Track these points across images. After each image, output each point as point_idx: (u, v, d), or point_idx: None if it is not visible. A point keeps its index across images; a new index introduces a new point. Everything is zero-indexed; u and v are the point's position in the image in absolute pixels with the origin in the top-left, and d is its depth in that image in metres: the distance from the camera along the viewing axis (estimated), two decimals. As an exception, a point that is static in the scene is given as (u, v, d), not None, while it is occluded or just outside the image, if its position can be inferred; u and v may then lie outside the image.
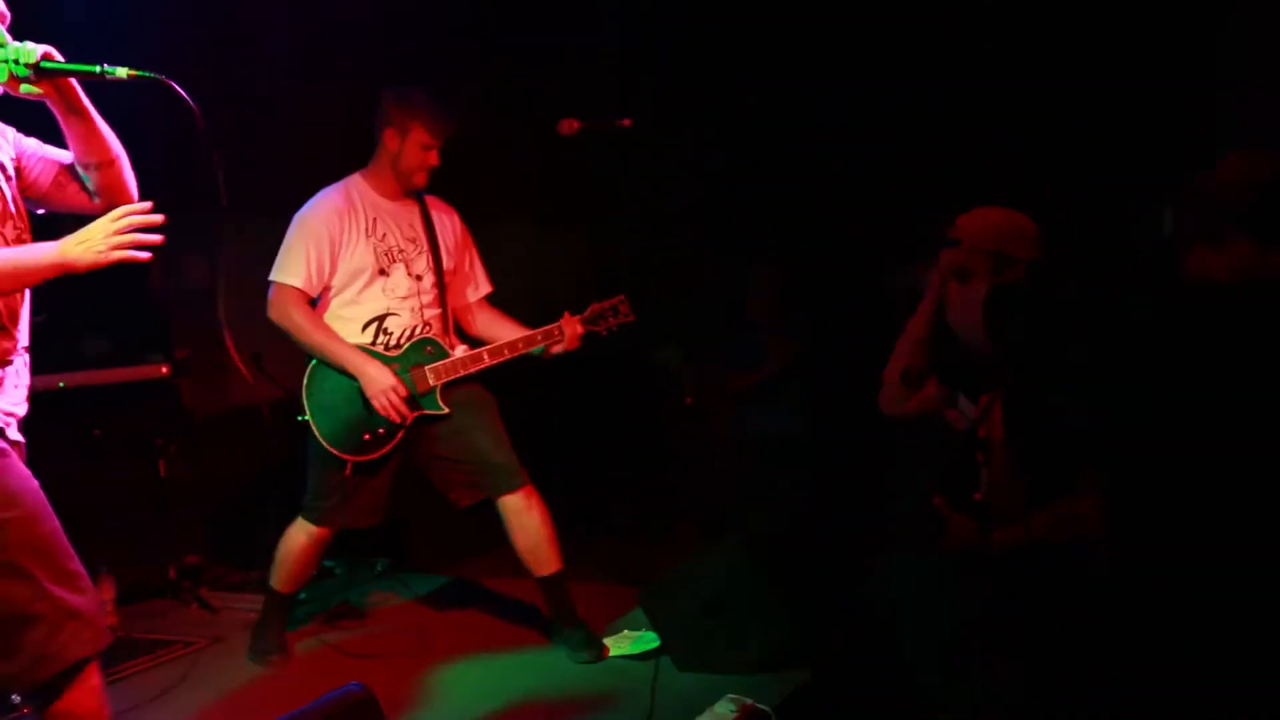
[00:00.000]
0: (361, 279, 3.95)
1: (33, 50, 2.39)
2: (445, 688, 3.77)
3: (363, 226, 3.97)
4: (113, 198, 2.64)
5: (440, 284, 4.10)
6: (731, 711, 3.31)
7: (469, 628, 4.40)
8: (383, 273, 3.95)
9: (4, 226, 2.51)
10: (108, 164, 2.61)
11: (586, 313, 3.98)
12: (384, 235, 3.99)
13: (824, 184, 4.97)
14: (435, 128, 3.90)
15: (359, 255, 3.96)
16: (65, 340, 5.07)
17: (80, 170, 2.62)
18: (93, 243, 2.37)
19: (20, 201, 2.60)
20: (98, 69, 2.39)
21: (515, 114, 4.69)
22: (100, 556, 4.78)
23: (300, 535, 3.99)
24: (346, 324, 3.97)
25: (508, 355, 3.98)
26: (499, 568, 4.54)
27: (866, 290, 4.07)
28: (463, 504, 4.09)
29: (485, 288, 4.24)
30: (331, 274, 3.94)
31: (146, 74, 2.41)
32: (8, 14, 2.51)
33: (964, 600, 2.82)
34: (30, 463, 2.89)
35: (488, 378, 4.02)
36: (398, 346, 3.95)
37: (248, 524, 4.77)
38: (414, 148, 3.91)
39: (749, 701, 3.31)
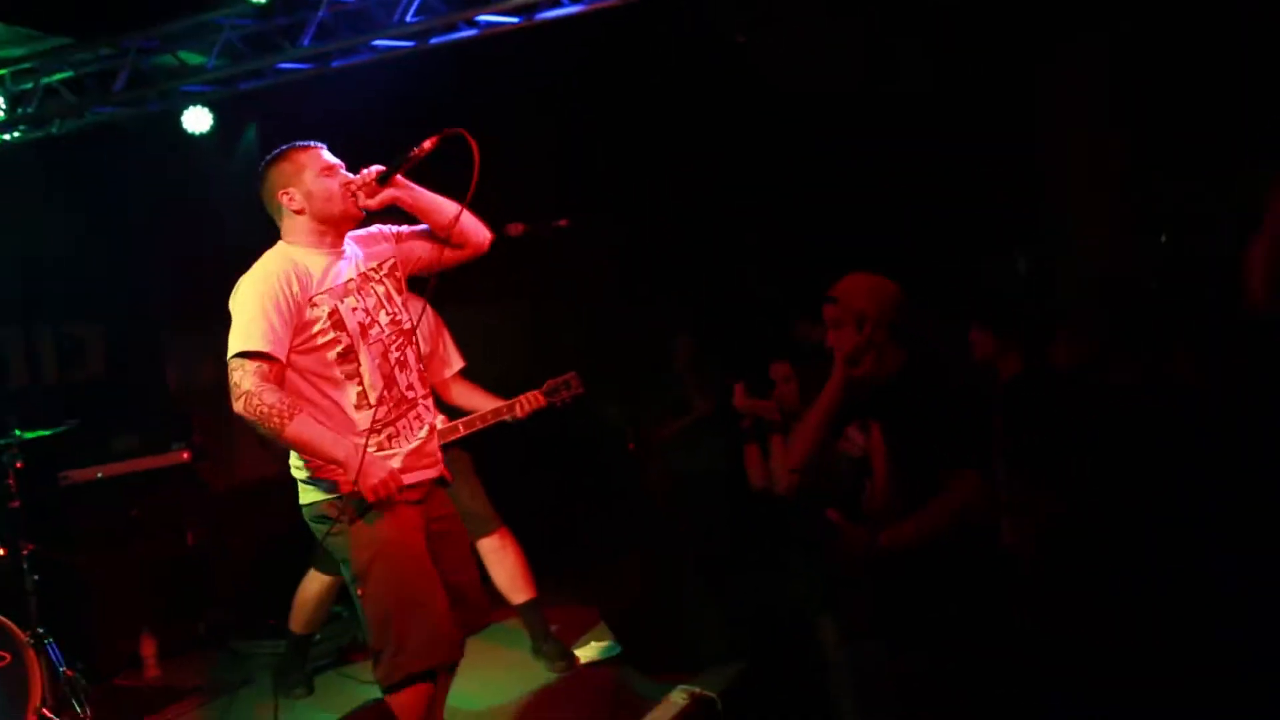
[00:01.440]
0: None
1: (369, 172, 2.68)
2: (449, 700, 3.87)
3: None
4: (468, 240, 2.90)
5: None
6: (683, 700, 3.43)
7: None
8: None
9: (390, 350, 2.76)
10: (455, 222, 2.82)
11: (545, 387, 3.98)
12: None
13: (731, 262, 5.20)
14: None
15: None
16: (100, 438, 5.16)
17: (437, 234, 2.85)
18: (368, 481, 2.59)
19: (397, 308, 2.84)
20: (410, 154, 2.68)
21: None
22: (142, 618, 4.88)
23: (313, 584, 4.01)
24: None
25: (479, 426, 3.99)
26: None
27: (770, 348, 4.22)
28: None
29: (458, 364, 4.20)
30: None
31: (443, 136, 2.69)
32: (340, 163, 2.79)
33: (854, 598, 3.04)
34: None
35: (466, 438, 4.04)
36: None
37: (265, 579, 4.77)
38: None
39: (697, 690, 3.44)
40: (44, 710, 3.74)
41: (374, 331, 2.75)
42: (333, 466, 2.67)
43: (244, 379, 2.59)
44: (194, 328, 5.75)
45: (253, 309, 2.64)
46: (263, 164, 2.88)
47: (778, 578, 3.54)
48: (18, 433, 4.06)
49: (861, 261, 3.11)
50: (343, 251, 2.82)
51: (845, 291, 3.07)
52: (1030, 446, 3.70)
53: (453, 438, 3.92)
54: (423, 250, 2.91)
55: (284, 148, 2.86)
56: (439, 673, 2.82)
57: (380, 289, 2.83)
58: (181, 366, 6.15)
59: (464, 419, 3.97)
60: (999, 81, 4.89)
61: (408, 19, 4.43)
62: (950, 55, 4.81)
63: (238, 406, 2.62)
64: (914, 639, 2.84)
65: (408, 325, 2.86)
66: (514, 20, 4.48)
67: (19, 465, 4.17)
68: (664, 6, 4.40)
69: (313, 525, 2.84)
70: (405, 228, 2.94)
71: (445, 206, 2.86)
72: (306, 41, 4.54)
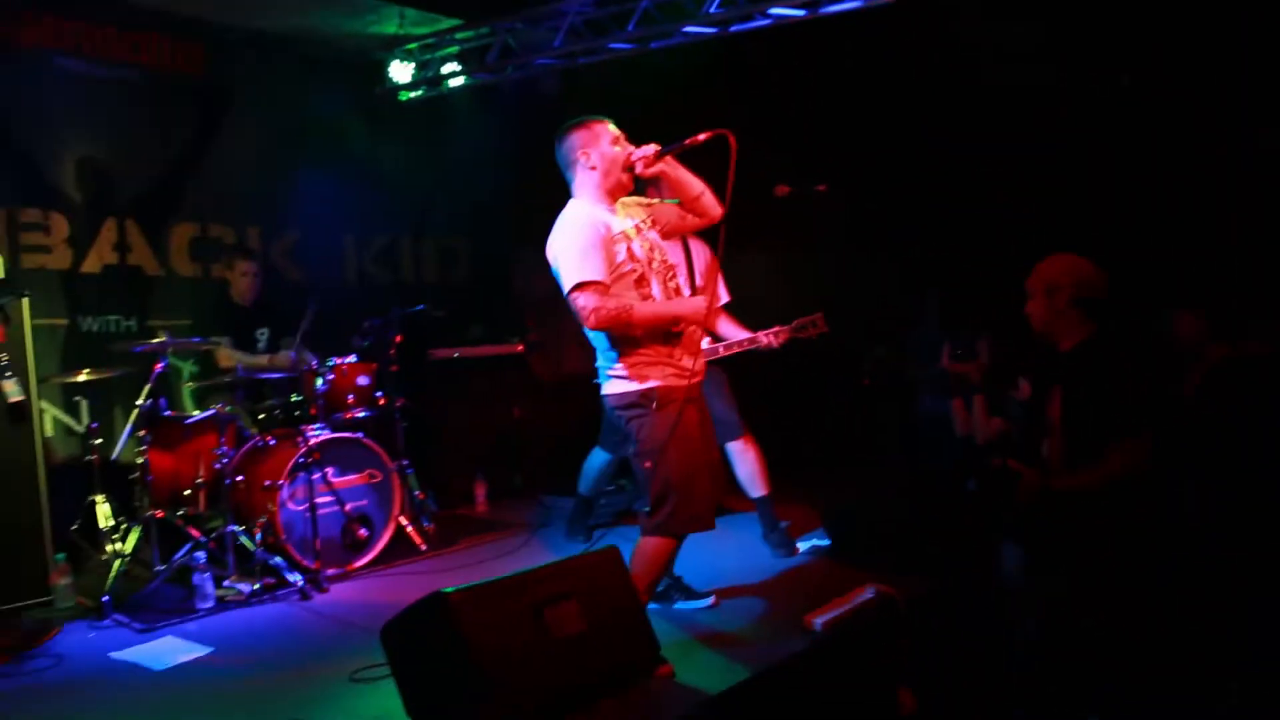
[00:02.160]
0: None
1: (647, 149, 3.14)
2: (696, 564, 4.10)
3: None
4: (705, 213, 3.28)
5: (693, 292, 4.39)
6: (872, 594, 3.63)
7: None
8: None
9: (666, 280, 3.23)
10: (698, 197, 3.26)
11: (794, 324, 4.20)
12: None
13: (981, 228, 5.23)
14: None
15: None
16: (459, 327, 6.21)
17: (684, 206, 3.31)
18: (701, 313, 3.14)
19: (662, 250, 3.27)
20: (685, 142, 3.06)
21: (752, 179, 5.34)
22: (476, 467, 5.91)
23: (597, 459, 4.66)
24: None
25: (736, 349, 4.30)
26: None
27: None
28: None
29: (724, 298, 4.45)
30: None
31: (715, 134, 3.01)
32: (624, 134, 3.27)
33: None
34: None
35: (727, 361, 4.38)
36: None
37: (568, 452, 5.10)
38: None
39: (885, 588, 3.64)
40: (402, 518, 4.84)
41: (654, 265, 3.23)
42: (644, 364, 3.14)
43: (589, 301, 3.02)
44: (536, 246, 6.62)
45: (580, 248, 3.08)
46: (565, 126, 3.25)
47: (970, 509, 3.78)
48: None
49: (1092, 245, 3.23)
50: (616, 208, 3.26)
51: (1042, 266, 3.26)
52: (1230, 425, 3.70)
53: (714, 357, 4.27)
54: (669, 215, 3.35)
55: (584, 117, 3.22)
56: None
57: (651, 235, 3.36)
58: (523, 277, 6.90)
59: (725, 343, 4.31)
60: (1208, 70, 4.60)
61: (712, 10, 4.90)
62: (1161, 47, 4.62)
63: (590, 323, 3.04)
64: (1084, 573, 3.04)
65: (673, 262, 3.42)
66: (800, 13, 4.80)
67: (398, 339, 5.25)
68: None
69: (618, 411, 3.22)
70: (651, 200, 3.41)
71: (695, 185, 3.25)
72: (632, 27, 5.17)
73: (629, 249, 3.18)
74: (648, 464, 3.17)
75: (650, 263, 3.24)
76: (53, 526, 3.95)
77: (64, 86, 5.10)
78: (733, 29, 5.07)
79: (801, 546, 4.55)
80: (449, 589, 2.77)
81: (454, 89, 6.05)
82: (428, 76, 6.00)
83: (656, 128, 3.34)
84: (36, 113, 4.99)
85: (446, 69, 5.91)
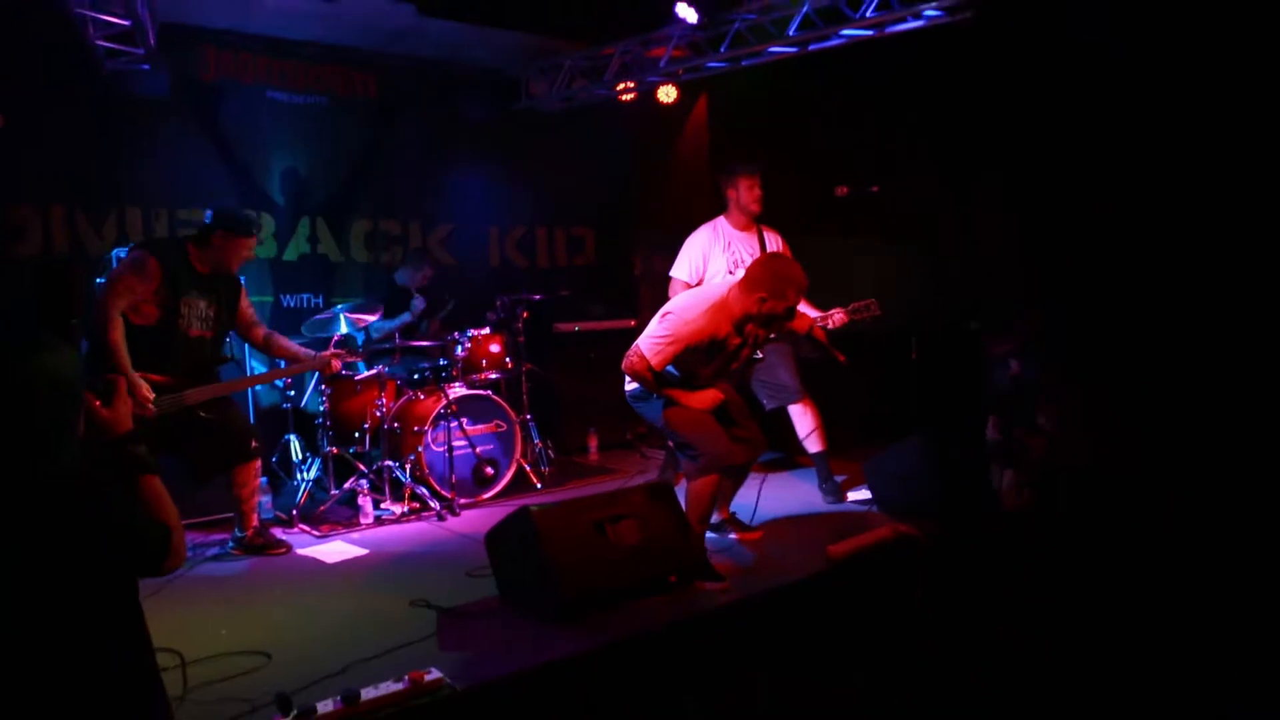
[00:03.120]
0: (718, 276, 4.87)
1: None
2: (759, 503, 4.60)
3: (721, 246, 4.96)
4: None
5: None
6: (894, 532, 4.02)
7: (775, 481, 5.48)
8: (730, 273, 4.86)
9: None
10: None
11: (850, 306, 4.57)
12: (734, 250, 4.95)
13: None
14: (750, 180, 4.88)
15: (715, 262, 4.94)
16: (581, 304, 6.94)
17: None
18: None
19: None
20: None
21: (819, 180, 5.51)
22: (590, 422, 6.66)
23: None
24: None
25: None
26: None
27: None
28: (767, 409, 5.05)
29: None
30: (703, 273, 4.95)
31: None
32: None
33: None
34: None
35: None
36: None
37: None
38: (744, 192, 4.89)
39: (906, 527, 4.04)
40: (523, 461, 5.67)
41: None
42: None
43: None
44: (652, 233, 7.36)
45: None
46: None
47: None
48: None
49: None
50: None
51: None
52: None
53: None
54: None
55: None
56: (719, 476, 3.98)
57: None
58: (643, 261, 7.63)
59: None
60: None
61: (791, 33, 5.40)
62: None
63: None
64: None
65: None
66: (869, 33, 5.20)
67: (525, 315, 6.09)
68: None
69: (632, 403, 4.09)
70: None
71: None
72: (724, 48, 5.75)
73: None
74: (669, 439, 4.05)
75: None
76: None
77: (272, 113, 6.16)
78: (811, 48, 5.55)
79: (852, 496, 5.06)
80: (532, 505, 3.57)
81: (580, 101, 6.78)
82: (557, 90, 6.76)
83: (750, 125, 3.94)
84: (253, 135, 6.07)
85: (574, 84, 6.64)
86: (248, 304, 4.44)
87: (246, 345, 4.85)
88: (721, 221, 5.03)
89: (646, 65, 6.23)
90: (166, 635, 3.28)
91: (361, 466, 5.19)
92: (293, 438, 5.50)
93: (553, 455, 6.06)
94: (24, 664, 1.76)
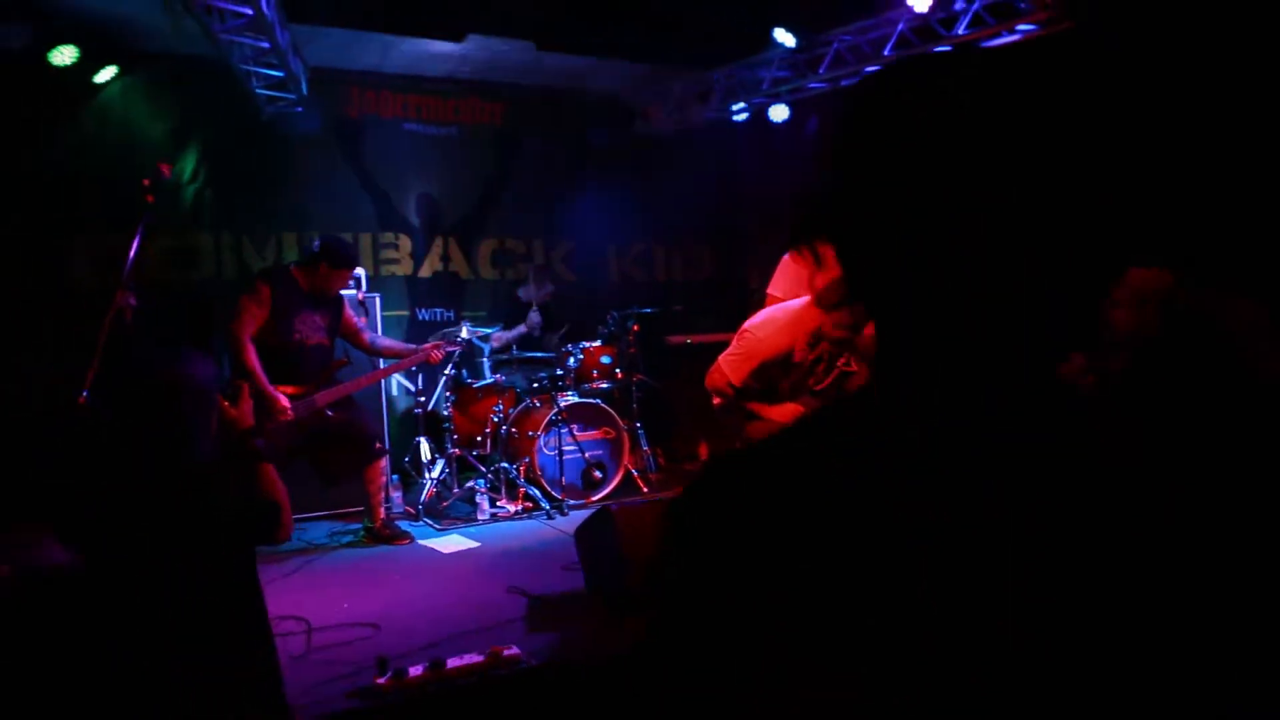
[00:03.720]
0: None
1: None
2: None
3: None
4: None
5: None
6: None
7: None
8: None
9: None
10: None
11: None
12: None
13: None
14: None
15: None
16: (693, 317, 7.26)
17: None
18: None
19: None
20: None
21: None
22: (700, 431, 6.90)
23: None
24: None
25: None
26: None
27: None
28: None
29: None
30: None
31: None
32: None
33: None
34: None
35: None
36: None
37: None
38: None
39: None
40: (630, 465, 6.05)
41: None
42: None
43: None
44: (768, 251, 7.54)
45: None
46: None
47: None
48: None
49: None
50: None
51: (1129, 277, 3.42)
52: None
53: None
54: None
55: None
56: None
57: None
58: (760, 275, 7.93)
59: None
60: None
61: (961, 31, 5.34)
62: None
63: None
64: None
65: None
66: (1036, 30, 5.13)
67: (635, 328, 6.47)
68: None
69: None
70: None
71: None
72: (888, 50, 5.89)
73: None
74: None
75: None
76: (392, 457, 5.57)
77: (408, 144, 6.80)
78: (983, 44, 5.65)
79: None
80: (612, 505, 3.92)
81: (692, 123, 7.13)
82: (669, 114, 7.13)
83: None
84: (391, 164, 6.73)
85: (686, 108, 6.99)
86: (351, 314, 4.99)
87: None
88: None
89: (750, 87, 6.50)
90: (297, 605, 3.84)
91: (481, 467, 5.69)
92: (423, 440, 6.06)
93: (662, 462, 6.40)
94: (162, 615, 2.23)
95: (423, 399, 6.02)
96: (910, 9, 5.17)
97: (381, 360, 5.16)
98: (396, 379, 6.51)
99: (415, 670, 3.13)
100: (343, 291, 5.45)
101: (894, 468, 0.69)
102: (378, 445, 4.89)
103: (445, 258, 6.98)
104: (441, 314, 6.93)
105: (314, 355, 4.70)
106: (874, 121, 0.71)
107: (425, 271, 6.90)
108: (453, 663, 3.18)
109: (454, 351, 5.41)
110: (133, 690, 2.10)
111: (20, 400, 4.85)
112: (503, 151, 7.13)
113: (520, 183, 7.17)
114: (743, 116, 6.89)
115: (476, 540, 5.05)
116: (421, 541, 5.05)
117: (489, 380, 5.93)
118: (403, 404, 6.54)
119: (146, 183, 3.73)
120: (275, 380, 4.51)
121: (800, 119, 7.34)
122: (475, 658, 3.22)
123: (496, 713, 3.17)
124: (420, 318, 6.85)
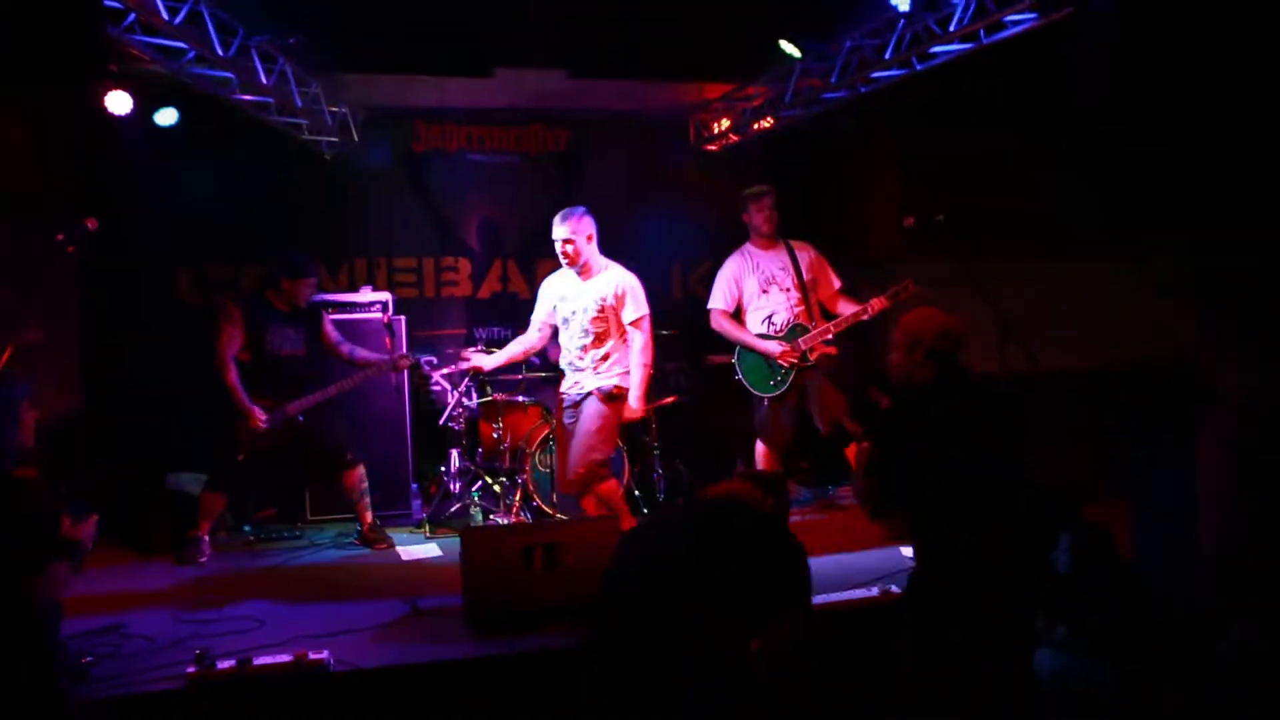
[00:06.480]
0: (754, 297, 5.50)
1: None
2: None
3: (750, 268, 5.58)
4: None
5: (803, 290, 5.39)
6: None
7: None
8: (764, 291, 5.46)
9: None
10: None
11: (888, 291, 5.13)
12: (763, 270, 5.50)
13: None
14: (757, 203, 5.53)
15: (748, 284, 5.54)
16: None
17: None
18: None
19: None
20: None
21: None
22: (739, 454, 6.85)
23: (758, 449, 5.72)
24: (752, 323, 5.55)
25: (845, 326, 5.27)
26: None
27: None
28: (823, 432, 5.37)
29: (835, 284, 5.52)
30: (739, 297, 5.53)
31: None
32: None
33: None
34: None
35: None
36: (780, 330, 5.45)
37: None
38: (755, 214, 5.54)
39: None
40: (626, 484, 6.19)
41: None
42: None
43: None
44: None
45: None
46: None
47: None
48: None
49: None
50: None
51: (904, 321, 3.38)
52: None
53: (828, 335, 5.43)
54: None
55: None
56: None
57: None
58: None
59: (833, 321, 5.40)
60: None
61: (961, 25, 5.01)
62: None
63: None
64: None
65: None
66: (968, 46, 5.04)
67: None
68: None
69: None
70: None
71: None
72: (888, 54, 5.55)
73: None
74: None
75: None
76: (420, 467, 6.15)
77: (471, 173, 7.37)
78: (918, 67, 5.49)
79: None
80: (475, 526, 4.18)
81: (749, 136, 7.08)
82: (718, 130, 7.16)
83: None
84: (454, 193, 7.34)
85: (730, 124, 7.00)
86: (330, 328, 5.56)
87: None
88: (748, 246, 5.68)
89: (776, 101, 6.42)
90: (199, 593, 4.47)
91: (488, 480, 6.11)
92: (454, 452, 6.57)
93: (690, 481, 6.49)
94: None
95: (458, 411, 6.52)
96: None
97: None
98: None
99: (224, 664, 3.60)
100: (368, 315, 6.14)
101: None
102: (349, 455, 5.46)
103: (504, 279, 7.48)
104: (499, 332, 7.42)
105: (287, 366, 5.34)
106: None
107: (484, 293, 7.44)
108: (260, 660, 3.62)
109: (424, 361, 5.89)
110: None
111: None
112: (564, 174, 7.49)
113: (579, 202, 7.46)
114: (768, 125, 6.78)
115: (445, 551, 5.46)
116: (399, 548, 5.56)
117: (507, 399, 6.32)
118: (426, 416, 6.98)
119: (60, 237, 4.43)
120: (253, 392, 5.21)
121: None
122: (284, 657, 3.64)
123: (293, 711, 3.57)
124: (478, 336, 7.39)
